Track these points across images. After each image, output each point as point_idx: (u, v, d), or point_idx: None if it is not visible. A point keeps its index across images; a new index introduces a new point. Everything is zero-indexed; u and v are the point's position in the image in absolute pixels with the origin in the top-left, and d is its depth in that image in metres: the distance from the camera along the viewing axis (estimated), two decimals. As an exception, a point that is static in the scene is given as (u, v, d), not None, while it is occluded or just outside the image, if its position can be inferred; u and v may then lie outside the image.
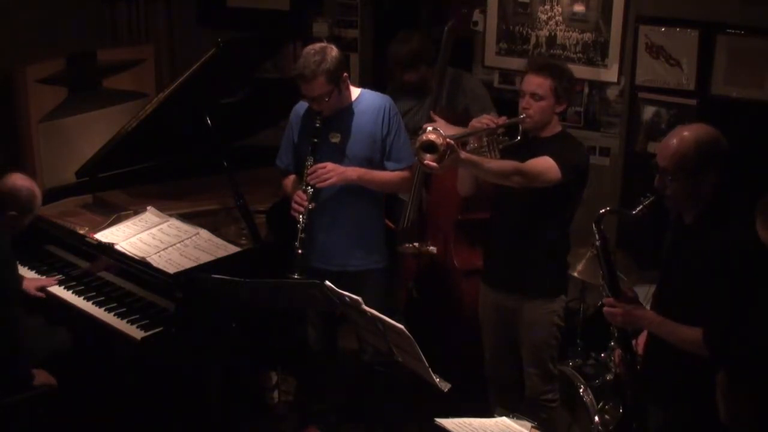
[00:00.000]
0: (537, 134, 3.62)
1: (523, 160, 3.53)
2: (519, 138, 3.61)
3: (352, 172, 3.77)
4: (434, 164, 3.24)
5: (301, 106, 3.91)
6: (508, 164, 3.46)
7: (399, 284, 4.56)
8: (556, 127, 3.64)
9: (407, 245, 4.37)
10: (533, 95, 3.56)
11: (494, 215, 3.80)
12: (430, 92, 4.44)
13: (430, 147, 3.25)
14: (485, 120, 3.62)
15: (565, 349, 4.14)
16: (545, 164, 3.46)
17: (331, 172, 3.73)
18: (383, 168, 3.86)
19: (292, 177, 3.98)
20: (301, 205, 3.74)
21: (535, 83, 3.56)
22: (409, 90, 4.49)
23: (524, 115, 3.58)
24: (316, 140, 3.75)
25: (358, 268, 3.90)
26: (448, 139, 3.24)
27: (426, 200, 4.47)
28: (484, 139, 3.58)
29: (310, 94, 3.70)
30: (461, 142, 3.50)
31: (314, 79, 3.64)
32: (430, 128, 3.31)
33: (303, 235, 3.72)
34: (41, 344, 3.90)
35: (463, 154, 3.33)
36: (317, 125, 3.74)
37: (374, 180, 3.84)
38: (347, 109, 3.83)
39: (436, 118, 4.30)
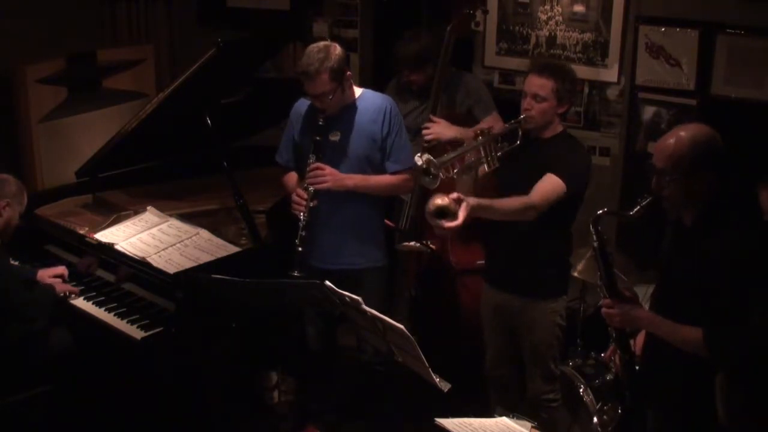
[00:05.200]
0: (538, 135, 3.61)
1: (525, 161, 3.54)
2: (518, 142, 3.59)
3: (349, 180, 3.77)
4: (454, 225, 3.25)
5: (302, 104, 3.91)
6: (517, 202, 3.45)
7: (400, 286, 4.56)
8: (557, 128, 3.64)
9: (406, 244, 4.38)
10: (535, 96, 3.54)
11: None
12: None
13: (442, 212, 3.26)
14: (483, 130, 3.60)
15: (565, 349, 4.14)
16: (550, 185, 3.46)
17: (328, 176, 3.74)
18: (384, 168, 3.86)
19: (291, 175, 3.98)
20: (300, 204, 3.75)
21: (537, 84, 3.55)
22: (414, 90, 4.48)
23: (524, 116, 3.57)
24: (318, 138, 3.76)
25: (358, 267, 3.89)
26: (452, 196, 3.26)
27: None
28: (481, 150, 3.57)
29: (314, 91, 3.70)
30: (458, 158, 3.52)
31: (318, 77, 3.64)
32: (437, 200, 3.29)
33: (304, 233, 3.71)
34: (41, 344, 3.90)
35: (473, 201, 3.32)
36: (320, 123, 3.74)
37: (372, 186, 3.84)
38: (348, 107, 3.83)
39: (436, 119, 4.31)
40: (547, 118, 3.58)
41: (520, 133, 3.59)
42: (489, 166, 3.57)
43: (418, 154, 3.49)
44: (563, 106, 3.59)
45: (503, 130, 3.63)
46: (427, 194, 4.38)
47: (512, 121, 3.62)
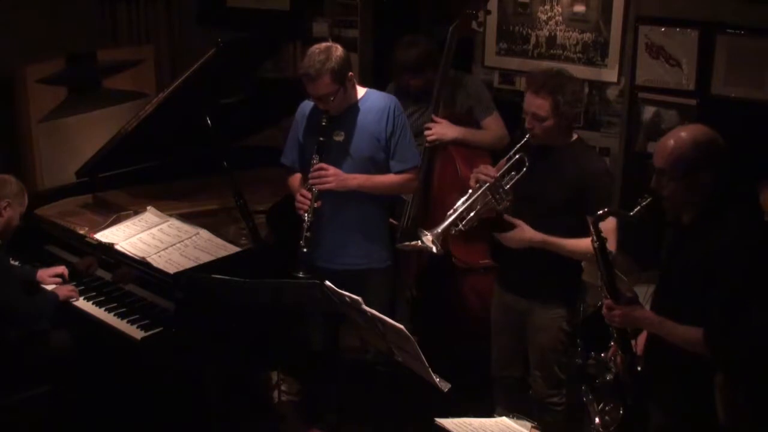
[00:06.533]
0: (552, 144, 3.57)
1: (543, 168, 3.52)
2: (525, 169, 3.54)
3: (353, 180, 3.77)
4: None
5: (307, 105, 3.91)
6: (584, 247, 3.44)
7: (401, 285, 4.55)
8: (571, 136, 3.60)
9: (407, 243, 4.37)
10: (535, 116, 3.49)
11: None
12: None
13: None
14: (482, 177, 3.56)
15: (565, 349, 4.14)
16: (608, 225, 3.35)
17: (331, 177, 3.74)
18: (388, 167, 3.85)
19: (297, 175, 3.98)
20: (304, 204, 3.74)
21: (535, 105, 3.48)
22: (413, 94, 4.48)
23: (528, 135, 3.52)
24: (322, 139, 3.75)
25: (362, 267, 3.90)
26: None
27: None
28: (488, 194, 3.54)
29: (315, 93, 3.70)
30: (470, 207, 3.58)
31: (319, 79, 3.64)
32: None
33: (308, 234, 3.71)
34: (41, 344, 3.90)
35: (539, 237, 3.49)
36: (324, 124, 3.74)
37: (376, 186, 3.84)
38: (352, 108, 3.83)
39: (439, 120, 4.31)
40: (554, 133, 3.52)
41: (526, 161, 3.53)
42: (500, 205, 3.56)
43: (426, 237, 3.60)
44: (567, 118, 3.53)
45: (506, 167, 3.57)
46: (427, 194, 4.42)
47: (513, 153, 3.56)
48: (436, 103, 4.36)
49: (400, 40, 4.46)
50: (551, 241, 3.50)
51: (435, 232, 3.58)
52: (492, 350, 3.95)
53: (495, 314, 3.90)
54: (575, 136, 3.63)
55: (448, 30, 4.32)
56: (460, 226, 3.60)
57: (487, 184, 3.53)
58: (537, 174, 3.54)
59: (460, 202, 3.60)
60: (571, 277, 3.73)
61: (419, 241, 4.30)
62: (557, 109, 3.46)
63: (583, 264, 4.10)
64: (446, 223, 3.58)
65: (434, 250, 3.61)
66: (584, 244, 3.43)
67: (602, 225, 3.38)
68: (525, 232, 3.52)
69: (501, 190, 3.53)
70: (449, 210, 4.27)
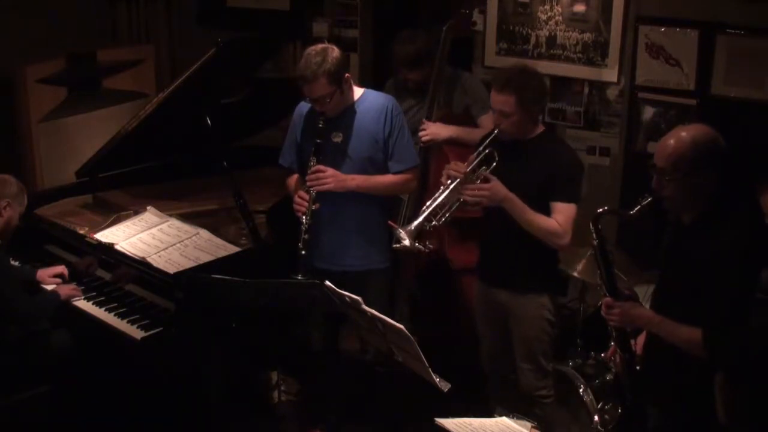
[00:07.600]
0: (520, 137, 3.61)
1: (512, 163, 3.55)
2: (495, 163, 3.57)
3: (351, 181, 3.77)
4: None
5: (305, 105, 3.91)
6: (548, 224, 3.50)
7: (400, 285, 4.55)
8: (538, 128, 3.64)
9: (400, 245, 4.37)
10: (501, 113, 3.54)
11: (487, 212, 3.79)
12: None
13: None
14: (452, 173, 3.58)
15: (565, 349, 4.13)
16: (568, 214, 3.49)
17: (329, 178, 3.73)
18: (387, 168, 3.86)
19: (295, 176, 3.98)
20: (302, 205, 3.74)
21: (500, 102, 3.53)
22: (411, 89, 4.49)
23: (496, 131, 3.57)
24: (319, 141, 3.75)
25: (361, 269, 3.89)
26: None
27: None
28: (459, 190, 3.56)
29: (312, 95, 3.70)
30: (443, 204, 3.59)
31: (315, 81, 3.64)
32: None
33: (306, 236, 3.71)
34: (41, 344, 3.91)
35: (504, 190, 3.48)
36: (320, 125, 3.74)
37: (375, 187, 3.83)
38: (350, 108, 3.83)
39: (429, 124, 4.31)
40: (521, 128, 3.57)
41: (496, 156, 3.57)
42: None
43: (400, 234, 3.62)
44: (533, 113, 3.58)
45: (476, 162, 3.60)
46: (423, 194, 4.41)
47: (482, 148, 3.59)
48: (431, 101, 4.37)
49: (399, 35, 4.48)
50: (518, 203, 3.50)
51: (408, 229, 3.60)
52: (481, 344, 3.96)
53: (479, 308, 3.91)
54: (541, 128, 3.67)
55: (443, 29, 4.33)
56: (434, 221, 3.62)
57: (458, 180, 3.55)
58: (508, 167, 3.56)
59: (432, 199, 3.62)
60: (549, 265, 3.74)
61: (397, 241, 4.34)
62: (522, 105, 3.51)
63: (581, 264, 4.11)
64: (419, 219, 3.59)
65: (406, 243, 3.61)
66: (543, 221, 3.52)
67: (565, 211, 3.46)
68: (500, 186, 3.52)
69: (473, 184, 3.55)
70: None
